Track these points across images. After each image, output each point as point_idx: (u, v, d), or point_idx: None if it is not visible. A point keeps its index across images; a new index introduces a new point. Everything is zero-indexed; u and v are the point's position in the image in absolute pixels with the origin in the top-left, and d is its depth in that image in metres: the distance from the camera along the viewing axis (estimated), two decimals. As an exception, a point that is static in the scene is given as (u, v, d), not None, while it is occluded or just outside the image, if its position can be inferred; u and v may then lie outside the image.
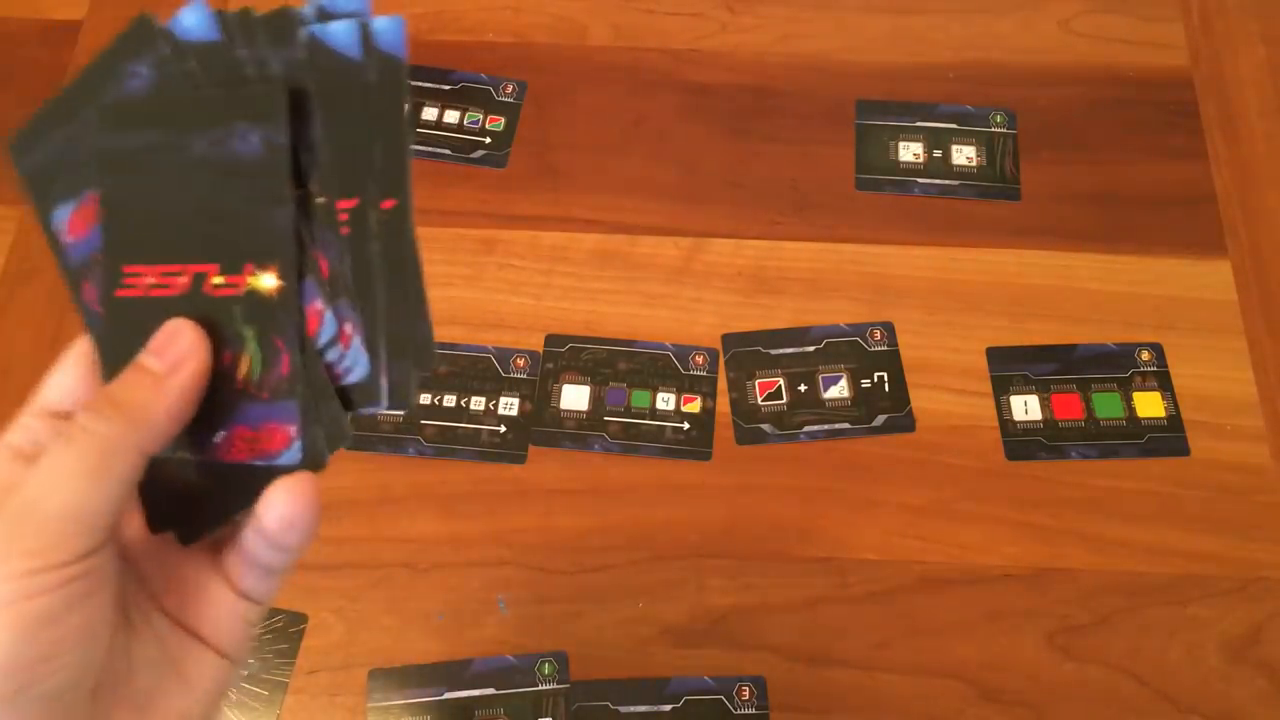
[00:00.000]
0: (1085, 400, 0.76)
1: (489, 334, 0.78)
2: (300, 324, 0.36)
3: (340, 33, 0.36)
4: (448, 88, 0.87)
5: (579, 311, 0.79)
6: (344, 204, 0.37)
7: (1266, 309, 0.80)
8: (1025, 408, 0.76)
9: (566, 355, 0.78)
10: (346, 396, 0.37)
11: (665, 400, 0.76)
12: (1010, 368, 0.77)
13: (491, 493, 0.74)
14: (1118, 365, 0.77)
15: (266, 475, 0.36)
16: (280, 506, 0.37)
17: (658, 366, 0.77)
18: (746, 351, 0.78)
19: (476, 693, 0.68)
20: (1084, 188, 0.84)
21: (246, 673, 0.68)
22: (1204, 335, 0.79)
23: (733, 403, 0.76)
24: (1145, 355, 0.78)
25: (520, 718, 0.67)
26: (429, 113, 0.86)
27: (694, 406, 0.76)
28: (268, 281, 0.36)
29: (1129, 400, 0.76)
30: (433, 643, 0.70)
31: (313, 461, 0.37)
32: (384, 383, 0.37)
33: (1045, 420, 0.76)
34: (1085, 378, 0.77)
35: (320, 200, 0.36)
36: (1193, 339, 0.78)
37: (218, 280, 0.36)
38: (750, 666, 0.69)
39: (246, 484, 0.37)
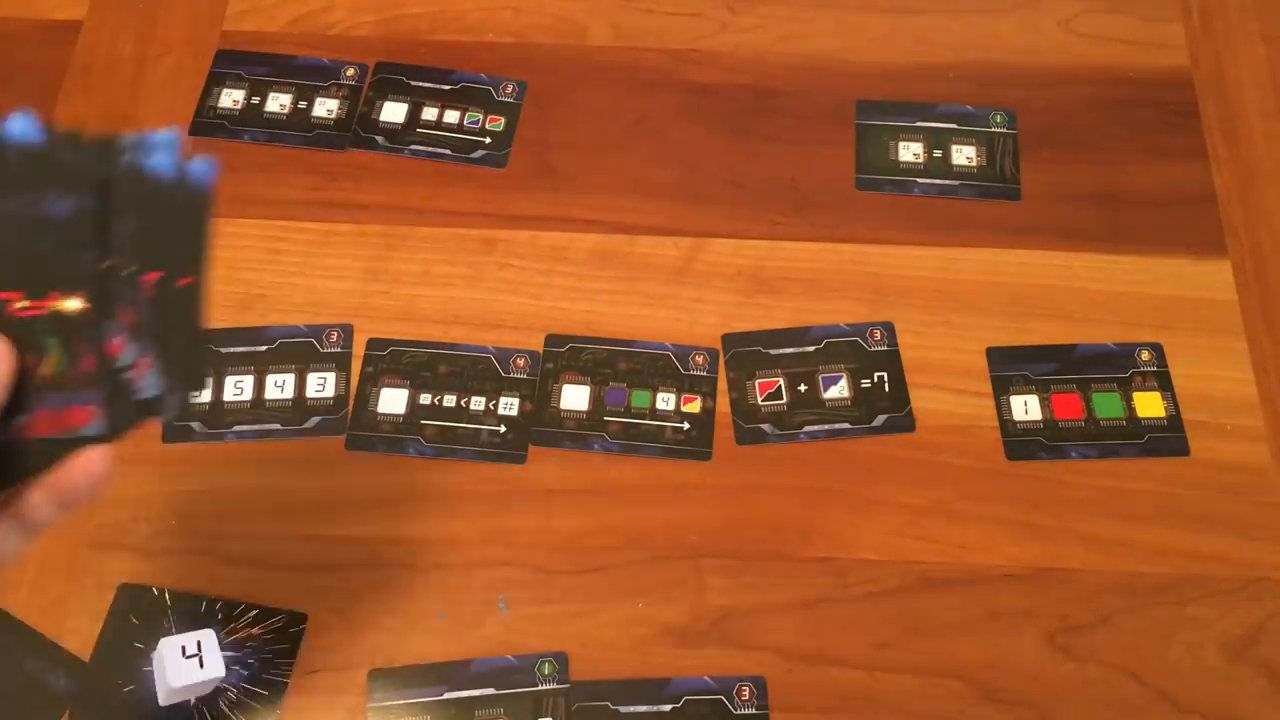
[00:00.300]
0: (1085, 400, 0.76)
1: (489, 334, 0.78)
2: (102, 340, 0.47)
3: (157, 162, 0.48)
4: (448, 88, 0.87)
5: (579, 311, 0.79)
6: (151, 276, 0.48)
7: (1266, 309, 0.80)
8: (1025, 408, 0.76)
9: (566, 355, 0.78)
10: (139, 406, 0.48)
11: (665, 400, 0.76)
12: (1010, 368, 0.77)
13: (491, 493, 0.74)
14: (1118, 365, 0.77)
15: (68, 445, 0.47)
16: (93, 462, 0.46)
17: (658, 366, 0.77)
18: (746, 351, 0.78)
19: (476, 693, 0.68)
20: (1084, 188, 0.84)
21: (247, 673, 0.68)
22: (1204, 335, 0.79)
23: (733, 403, 0.76)
24: (1145, 355, 0.78)
25: (520, 718, 0.67)
26: (429, 113, 0.86)
27: (694, 406, 0.76)
28: (72, 304, 0.47)
29: (1129, 400, 0.76)
30: (433, 643, 0.70)
31: (112, 432, 0.47)
32: (168, 400, 0.49)
33: (1045, 420, 0.76)
34: (1085, 378, 0.77)
35: (128, 270, 0.48)
36: (1193, 339, 0.78)
37: (21, 304, 0.47)
38: (750, 666, 0.69)
39: (46, 453, 0.47)
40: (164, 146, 0.49)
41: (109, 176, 0.47)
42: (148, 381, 0.48)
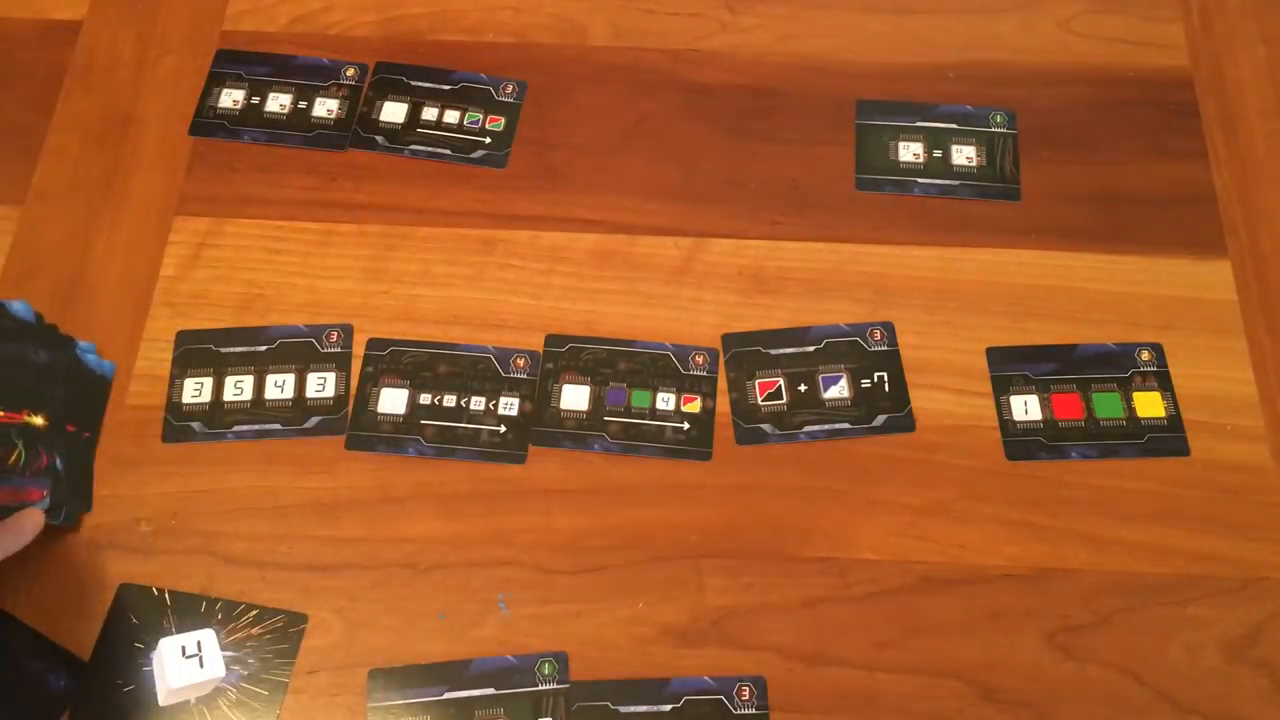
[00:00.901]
0: (1085, 400, 0.76)
1: (489, 334, 0.78)
2: (51, 448, 0.71)
3: (87, 356, 0.75)
4: (448, 88, 0.87)
5: (579, 311, 0.79)
6: (70, 425, 0.73)
7: (1266, 309, 0.80)
8: (1025, 408, 0.76)
9: (566, 355, 0.78)
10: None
11: (665, 400, 0.76)
12: (1010, 368, 0.77)
13: (491, 493, 0.74)
14: (1118, 365, 0.77)
15: (20, 508, 0.68)
16: (37, 516, 0.68)
17: (658, 366, 0.77)
18: (746, 351, 0.78)
19: (476, 693, 0.68)
20: (1084, 188, 0.84)
21: (247, 673, 0.68)
22: (1204, 335, 0.79)
23: (733, 403, 0.76)
24: (1145, 355, 0.78)
25: (520, 718, 0.67)
26: (429, 113, 0.86)
27: (694, 406, 0.76)
28: (38, 420, 0.71)
29: (1129, 400, 0.76)
30: (433, 643, 0.70)
31: (52, 509, 0.70)
32: (65, 511, 0.71)
33: (1045, 420, 0.76)
34: (1085, 378, 0.77)
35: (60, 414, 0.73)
36: (1193, 339, 0.78)
37: (1, 414, 0.70)
38: (750, 666, 0.69)
39: (4, 512, 0.68)
40: (91, 350, 0.75)
41: (68, 353, 0.74)
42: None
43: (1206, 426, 0.76)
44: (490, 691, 0.68)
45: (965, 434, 0.75)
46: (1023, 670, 0.69)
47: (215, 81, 0.87)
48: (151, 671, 0.68)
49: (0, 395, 0.71)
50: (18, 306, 0.74)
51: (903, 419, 0.76)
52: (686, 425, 0.76)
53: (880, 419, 0.76)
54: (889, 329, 0.78)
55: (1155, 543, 0.72)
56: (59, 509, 0.70)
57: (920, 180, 0.84)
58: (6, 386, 0.72)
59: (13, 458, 0.70)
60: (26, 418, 0.71)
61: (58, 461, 0.71)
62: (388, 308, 0.79)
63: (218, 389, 0.76)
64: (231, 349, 0.78)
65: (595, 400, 0.76)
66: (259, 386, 0.77)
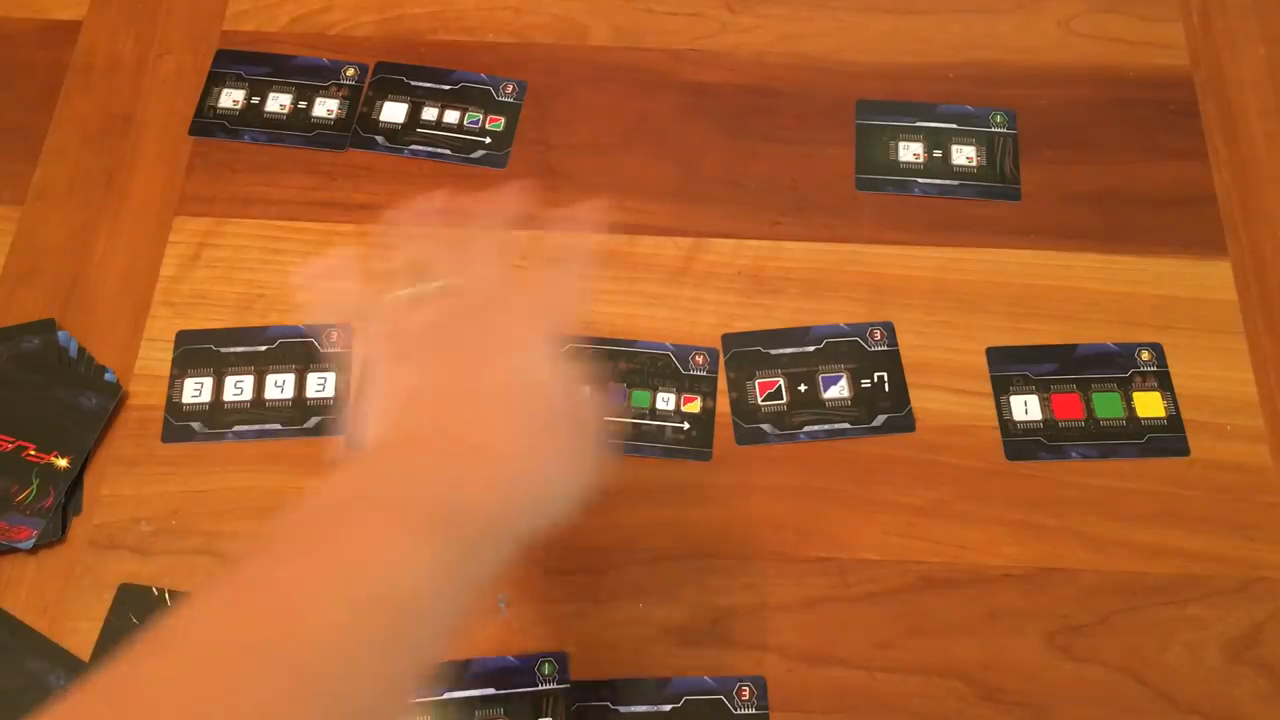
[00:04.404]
0: (1085, 400, 0.76)
1: (489, 334, 0.78)
2: (60, 489, 0.71)
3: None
4: (448, 88, 0.87)
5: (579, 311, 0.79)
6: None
7: (1266, 309, 0.80)
8: (1025, 408, 0.76)
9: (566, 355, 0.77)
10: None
11: (665, 400, 0.76)
12: (1010, 368, 0.77)
13: (491, 493, 0.74)
14: (1118, 365, 0.77)
15: (7, 549, 0.70)
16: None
17: (658, 366, 0.77)
18: (746, 351, 0.78)
19: (476, 693, 0.68)
20: (1084, 188, 0.84)
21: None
22: (1204, 335, 0.79)
23: (733, 403, 0.76)
24: (1145, 355, 0.78)
25: (520, 718, 0.67)
26: (429, 113, 0.86)
27: (694, 406, 0.76)
28: (61, 461, 0.72)
29: (1129, 400, 0.76)
30: (433, 643, 0.69)
31: (32, 548, 0.70)
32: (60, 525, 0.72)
33: (1045, 420, 0.76)
34: (1085, 378, 0.77)
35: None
36: (1193, 339, 0.78)
37: (33, 451, 0.72)
38: (750, 666, 0.69)
39: None
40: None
41: (114, 400, 0.74)
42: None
43: (1206, 426, 0.76)
44: (490, 691, 0.68)
45: (965, 434, 0.75)
46: (1023, 670, 0.69)
47: (215, 81, 0.87)
48: (151, 671, 0.68)
49: (41, 436, 0.73)
50: (61, 338, 0.76)
51: (903, 419, 0.76)
52: (686, 425, 0.76)
53: (880, 419, 0.76)
54: (889, 329, 0.78)
55: (1155, 543, 0.72)
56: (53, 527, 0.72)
57: (920, 180, 0.84)
58: (51, 427, 0.73)
59: (23, 495, 0.71)
60: (52, 459, 0.72)
61: (62, 498, 0.71)
62: (388, 308, 0.79)
63: (218, 389, 0.76)
64: (231, 349, 0.78)
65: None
66: (259, 386, 0.77)
